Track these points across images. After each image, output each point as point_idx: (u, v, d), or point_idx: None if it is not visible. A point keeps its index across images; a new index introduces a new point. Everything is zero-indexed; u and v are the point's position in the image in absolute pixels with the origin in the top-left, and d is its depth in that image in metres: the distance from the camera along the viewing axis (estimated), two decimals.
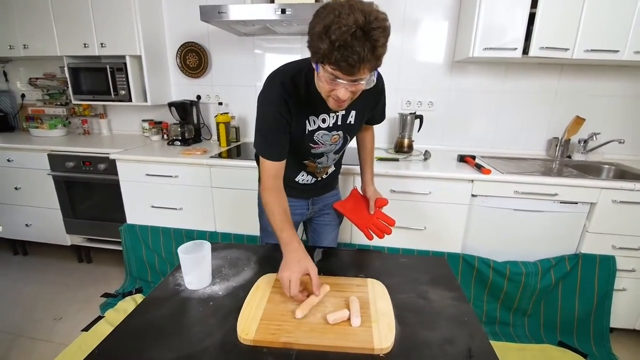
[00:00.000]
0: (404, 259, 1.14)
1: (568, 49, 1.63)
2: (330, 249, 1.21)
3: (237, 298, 0.89)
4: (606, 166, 1.91)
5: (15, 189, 2.27)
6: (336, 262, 1.12)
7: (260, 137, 1.01)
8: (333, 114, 1.03)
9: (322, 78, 0.82)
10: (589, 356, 1.62)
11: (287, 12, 1.58)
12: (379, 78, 1.06)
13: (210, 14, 1.67)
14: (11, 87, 2.73)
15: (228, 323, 0.79)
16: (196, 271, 0.94)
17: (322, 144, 1.08)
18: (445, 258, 1.12)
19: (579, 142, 1.98)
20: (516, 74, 2.01)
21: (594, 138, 1.95)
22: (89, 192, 2.18)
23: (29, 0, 2.13)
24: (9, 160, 2.22)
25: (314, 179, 1.22)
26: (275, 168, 1.02)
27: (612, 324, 1.71)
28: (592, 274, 1.66)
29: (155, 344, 0.74)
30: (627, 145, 1.94)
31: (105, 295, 2.06)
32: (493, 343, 0.75)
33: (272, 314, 0.81)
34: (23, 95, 2.71)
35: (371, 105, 1.11)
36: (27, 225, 2.34)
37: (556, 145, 2.00)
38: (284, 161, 1.03)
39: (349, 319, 0.79)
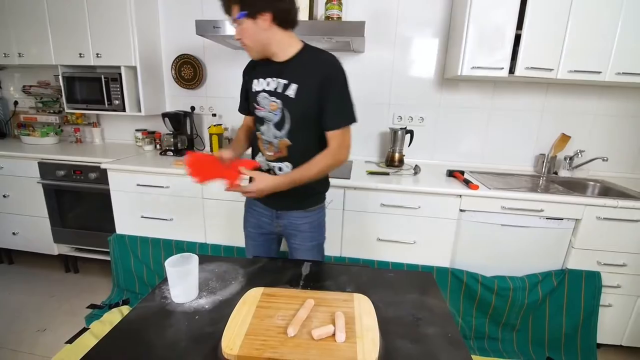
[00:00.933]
0: (391, 273, 1.15)
1: (552, 69, 1.69)
2: (319, 263, 1.21)
3: (222, 312, 0.88)
4: (591, 183, 1.96)
5: (4, 196, 2.24)
6: (324, 276, 1.12)
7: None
8: (276, 79, 1.13)
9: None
10: None
11: None
12: (335, 67, 1.10)
13: (205, 28, 1.70)
14: (4, 94, 2.73)
15: (213, 338, 0.79)
16: (183, 284, 0.94)
17: (263, 107, 1.17)
18: (432, 274, 1.13)
19: (565, 158, 2.03)
20: (504, 91, 2.06)
21: (579, 155, 2.00)
22: (79, 201, 2.16)
23: (25, 9, 2.15)
24: None
25: (265, 163, 1.23)
26: (245, 119, 1.36)
27: (599, 340, 1.72)
28: (578, 290, 1.68)
29: (140, 357, 0.74)
30: (611, 163, 1.99)
31: (91, 306, 2.02)
32: (482, 359, 0.76)
33: (257, 329, 0.81)
34: (16, 102, 2.70)
35: (317, 90, 1.09)
36: (14, 233, 2.30)
37: (543, 162, 2.04)
38: (250, 118, 1.31)
39: (334, 334, 0.79)
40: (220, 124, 2.20)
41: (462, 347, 0.79)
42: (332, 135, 1.14)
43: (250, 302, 0.92)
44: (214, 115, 2.35)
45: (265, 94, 1.16)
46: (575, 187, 1.92)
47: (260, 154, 1.25)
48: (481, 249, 1.74)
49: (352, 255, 1.80)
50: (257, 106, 1.19)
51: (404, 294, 1.01)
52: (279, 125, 1.16)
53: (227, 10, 1.07)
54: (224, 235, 1.90)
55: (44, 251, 2.31)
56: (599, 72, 1.68)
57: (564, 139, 2.03)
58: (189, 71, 2.32)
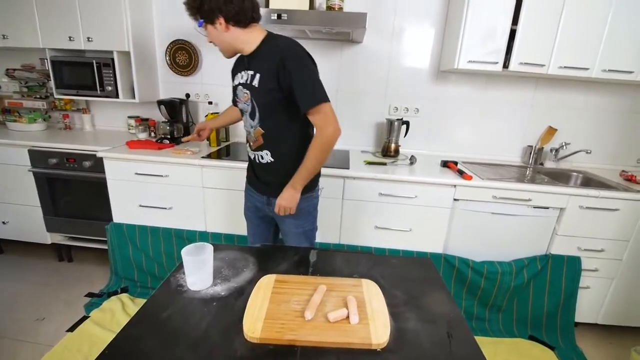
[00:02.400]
0: (395, 260, 1.21)
1: (544, 65, 1.76)
2: (324, 251, 1.26)
3: (239, 298, 0.93)
4: (574, 173, 2.08)
5: None
6: (330, 263, 1.18)
7: None
8: (246, 72, 1.21)
9: None
10: (556, 349, 1.77)
11: (282, 17, 1.61)
12: (288, 52, 1.12)
13: None
14: None
15: (233, 322, 0.83)
16: (199, 273, 0.97)
17: (240, 99, 1.26)
18: (432, 260, 1.20)
19: (551, 150, 2.14)
20: (496, 85, 2.13)
21: (565, 147, 2.11)
22: (72, 190, 2.13)
23: None
24: None
25: (254, 155, 1.31)
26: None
27: (577, 319, 1.87)
28: (560, 273, 1.80)
29: (164, 343, 0.77)
30: (594, 155, 2.11)
31: (90, 295, 2.02)
32: None
33: (275, 313, 0.86)
34: None
35: (275, 76, 1.12)
36: (3, 222, 2.25)
37: (530, 153, 2.14)
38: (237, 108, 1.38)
39: (347, 317, 0.85)
40: (217, 112, 2.18)
41: (465, 328, 0.87)
42: (311, 117, 1.16)
43: (265, 288, 0.96)
44: (210, 103, 2.33)
45: (241, 87, 1.23)
46: (560, 177, 2.03)
47: (248, 145, 1.34)
48: (473, 236, 1.83)
49: (350, 242, 1.87)
50: (237, 99, 1.29)
51: (407, 278, 1.08)
52: (252, 115, 1.24)
53: (195, 19, 1.16)
54: (224, 224, 1.93)
55: (37, 240, 2.27)
56: (587, 69, 1.76)
57: (551, 131, 2.13)
58: (183, 57, 2.28)
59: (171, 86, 2.38)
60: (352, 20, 1.63)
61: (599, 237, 1.75)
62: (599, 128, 2.15)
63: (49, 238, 2.26)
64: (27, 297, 2.01)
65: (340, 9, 1.78)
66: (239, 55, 1.27)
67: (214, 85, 2.33)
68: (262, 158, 1.28)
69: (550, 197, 1.70)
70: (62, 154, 2.05)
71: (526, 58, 1.74)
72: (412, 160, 1.99)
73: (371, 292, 0.96)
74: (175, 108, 2.19)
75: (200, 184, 1.86)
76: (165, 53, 2.29)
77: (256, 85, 1.17)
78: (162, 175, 1.87)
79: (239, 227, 1.86)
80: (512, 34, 1.73)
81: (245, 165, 1.48)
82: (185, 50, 2.26)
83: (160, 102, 2.14)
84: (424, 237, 1.82)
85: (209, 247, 0.99)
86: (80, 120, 2.54)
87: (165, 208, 1.93)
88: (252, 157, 1.33)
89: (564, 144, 2.10)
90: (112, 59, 2.09)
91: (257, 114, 1.22)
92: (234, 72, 1.31)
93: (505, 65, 1.79)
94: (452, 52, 1.85)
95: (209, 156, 1.89)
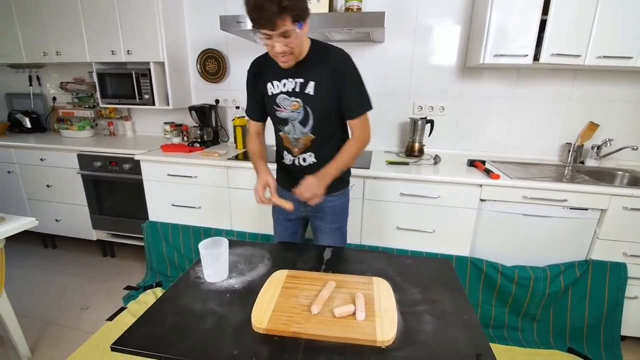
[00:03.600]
0: (410, 259, 1.19)
1: (580, 56, 1.64)
2: (339, 249, 1.27)
3: (251, 291, 0.96)
4: (620, 172, 1.90)
5: (47, 186, 2.43)
6: (345, 261, 1.18)
7: (247, 99, 1.32)
8: (292, 80, 1.16)
9: (260, 41, 1.05)
10: None
11: None
12: (344, 59, 1.15)
13: (229, 24, 1.76)
14: (44, 90, 2.92)
15: (243, 313, 0.87)
16: (215, 265, 1.02)
17: (284, 108, 1.20)
18: (450, 260, 1.16)
19: (592, 147, 1.97)
20: (528, 79, 2.02)
21: (608, 144, 1.94)
22: (114, 190, 2.32)
23: (62, 10, 2.28)
24: (41, 160, 2.38)
25: (290, 158, 1.29)
26: (253, 126, 1.34)
27: (623, 332, 1.70)
28: (602, 281, 1.65)
29: (179, 329, 0.83)
30: None
31: (128, 287, 2.18)
32: (501, 347, 0.79)
33: (283, 306, 0.88)
34: (54, 98, 2.90)
35: (333, 83, 1.14)
36: (57, 220, 2.50)
37: (569, 151, 1.99)
38: (262, 124, 1.34)
39: (354, 313, 0.85)
40: (244, 116, 2.27)
41: (479, 330, 0.83)
42: (355, 123, 1.21)
43: (276, 282, 0.99)
44: (237, 107, 2.43)
45: (285, 95, 1.19)
46: (603, 177, 1.87)
47: (285, 152, 1.30)
48: (502, 238, 1.74)
49: (372, 243, 1.85)
50: (277, 108, 1.21)
51: (422, 278, 1.05)
52: (303, 122, 1.21)
53: (272, 27, 0.96)
54: (249, 224, 1.99)
55: (84, 236, 2.50)
56: (630, 58, 1.61)
57: (592, 127, 1.97)
58: (213, 65, 2.40)
59: (202, 93, 2.52)
60: (370, 19, 1.63)
61: None
62: None
63: (94, 235, 2.48)
64: (74, 288, 2.21)
65: (359, 9, 1.79)
66: (261, 62, 1.22)
67: (241, 91, 2.43)
68: (305, 160, 1.27)
69: (589, 197, 1.57)
70: (105, 158, 2.25)
71: (559, 49, 1.63)
72: (436, 159, 1.93)
73: (381, 290, 0.96)
74: (205, 113, 2.31)
75: (226, 184, 1.94)
76: (197, 62, 2.43)
77: (311, 93, 1.15)
78: (191, 176, 1.98)
79: (264, 226, 1.92)
80: (543, 25, 1.63)
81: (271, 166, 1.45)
82: (215, 59, 2.38)
83: (191, 108, 2.27)
84: (449, 239, 1.76)
85: (225, 241, 1.04)
86: (123, 127, 2.76)
87: (195, 207, 2.04)
88: (291, 161, 1.30)
89: (607, 140, 1.93)
90: (149, 69, 2.26)
91: (311, 122, 1.20)
92: (264, 80, 1.21)
93: (537, 57, 1.68)
94: (478, 47, 1.78)
95: (235, 158, 1.97)
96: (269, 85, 1.20)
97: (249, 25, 1.75)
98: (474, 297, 1.79)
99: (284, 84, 1.18)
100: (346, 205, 1.41)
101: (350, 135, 1.25)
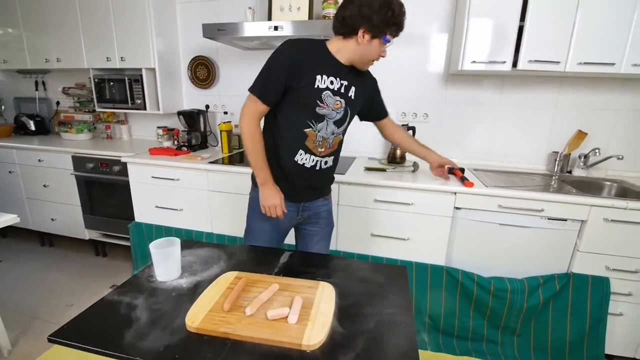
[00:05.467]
0: (366, 265, 1.18)
1: (560, 62, 1.61)
2: (298, 252, 1.26)
3: (197, 291, 0.97)
4: (608, 183, 1.84)
5: (44, 186, 2.53)
6: (299, 264, 1.18)
7: (263, 78, 1.16)
8: (338, 79, 1.17)
9: (375, 44, 1.13)
10: None
11: (279, 29, 1.69)
12: (372, 74, 1.37)
13: (210, 32, 1.82)
14: (49, 95, 3.06)
15: (182, 312, 0.88)
16: (165, 265, 1.04)
17: (327, 105, 1.17)
18: (407, 267, 1.14)
19: (580, 157, 1.92)
20: (513, 86, 1.98)
21: (597, 153, 1.87)
22: (105, 192, 2.39)
23: (62, 18, 2.40)
24: (39, 160, 2.48)
25: (312, 159, 1.22)
26: (261, 111, 1.19)
27: (609, 351, 1.62)
28: (584, 296, 1.59)
29: (116, 324, 0.84)
30: (631, 162, 1.85)
31: (113, 287, 2.23)
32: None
33: (220, 307, 0.89)
34: (58, 103, 3.02)
35: (367, 91, 1.31)
36: (52, 219, 2.59)
37: (555, 160, 1.94)
38: (267, 110, 1.20)
39: (287, 316, 0.84)
40: (230, 121, 2.31)
41: (412, 338, 0.81)
42: (389, 119, 1.52)
43: (222, 283, 1.00)
44: (225, 113, 2.48)
45: (329, 92, 1.16)
46: (590, 187, 1.81)
47: (302, 152, 1.21)
48: (479, 248, 1.70)
49: (347, 249, 1.84)
50: (320, 103, 1.15)
51: (371, 284, 1.04)
52: (339, 123, 1.22)
53: (396, 35, 1.18)
54: (228, 226, 2.01)
55: (77, 236, 2.57)
56: (613, 64, 1.57)
57: (580, 135, 1.92)
58: (203, 71, 2.47)
59: (193, 98, 2.58)
60: None
61: (633, 255, 1.51)
62: (637, 131, 1.88)
63: (87, 234, 2.55)
64: (64, 285, 2.28)
65: None
66: (309, 50, 1.14)
67: (230, 97, 2.48)
68: (326, 163, 1.27)
69: (567, 207, 1.52)
70: (97, 160, 2.32)
71: (537, 55, 1.60)
72: (415, 166, 1.91)
73: (324, 295, 0.95)
74: (193, 118, 2.36)
75: (206, 188, 1.98)
76: (188, 68, 2.50)
77: (352, 97, 1.22)
78: (173, 179, 2.02)
79: (243, 229, 1.93)
80: (521, 31, 1.61)
81: (247, 169, 1.42)
82: (204, 65, 2.45)
83: (179, 113, 2.33)
84: (424, 247, 1.73)
85: (176, 241, 1.05)
86: (120, 130, 2.85)
87: (177, 209, 2.08)
88: (314, 163, 1.24)
89: (595, 149, 1.87)
90: (141, 75, 2.33)
91: (346, 123, 1.26)
92: (315, 71, 1.13)
93: (515, 64, 1.66)
94: (457, 53, 1.77)
95: (221, 161, 2.00)
96: (318, 77, 1.13)
97: (229, 32, 1.81)
98: (451, 307, 1.75)
99: (331, 81, 1.16)
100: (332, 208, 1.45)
101: (383, 131, 1.55)
